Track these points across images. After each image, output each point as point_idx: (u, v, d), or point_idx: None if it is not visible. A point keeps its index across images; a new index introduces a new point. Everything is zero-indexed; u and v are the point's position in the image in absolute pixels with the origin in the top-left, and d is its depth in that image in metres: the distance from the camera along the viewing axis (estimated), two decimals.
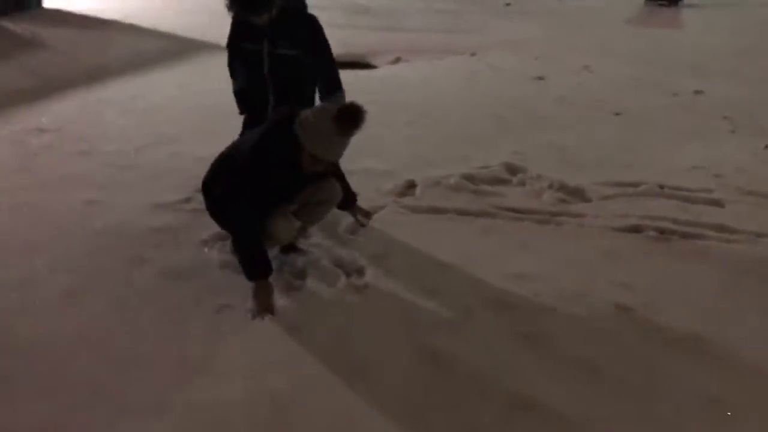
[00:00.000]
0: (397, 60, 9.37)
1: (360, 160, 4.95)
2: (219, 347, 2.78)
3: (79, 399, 2.47)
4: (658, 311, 3.08)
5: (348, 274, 3.39)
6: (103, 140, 5.33)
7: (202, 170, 3.33)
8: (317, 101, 3.68)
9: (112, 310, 3.03)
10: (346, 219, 4.03)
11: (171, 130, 5.60)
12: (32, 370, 2.62)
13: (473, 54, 9.32)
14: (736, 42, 9.22)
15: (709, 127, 6.02)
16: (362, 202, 4.33)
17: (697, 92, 7.07)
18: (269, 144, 2.98)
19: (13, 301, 3.08)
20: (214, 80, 6.64)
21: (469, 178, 4.66)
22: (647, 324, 3.00)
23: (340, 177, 3.51)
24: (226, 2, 3.29)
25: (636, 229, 3.92)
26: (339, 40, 10.13)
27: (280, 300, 3.07)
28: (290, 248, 3.56)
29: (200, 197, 4.17)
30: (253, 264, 3.03)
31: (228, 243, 3.50)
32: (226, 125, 4.04)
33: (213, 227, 3.58)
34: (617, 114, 6.40)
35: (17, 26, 9.70)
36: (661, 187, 4.54)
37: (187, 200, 4.16)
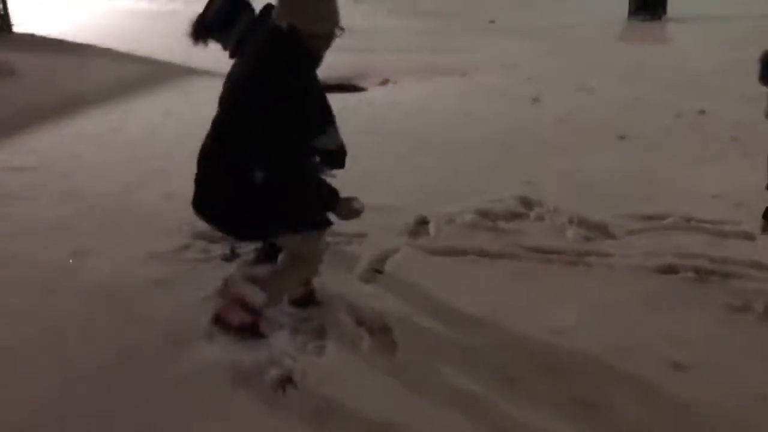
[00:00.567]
0: (386, 81, 9.12)
1: (364, 195, 4.62)
2: None
3: None
4: (720, 369, 2.82)
5: (371, 332, 3.09)
6: (87, 178, 4.97)
7: None
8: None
9: (105, 386, 2.69)
10: (360, 263, 3.75)
11: (160, 165, 5.25)
12: None
13: (464, 74, 9.10)
14: (728, 57, 9.08)
15: (719, 150, 5.83)
16: (372, 241, 4.08)
17: (701, 112, 6.89)
18: (278, 55, 2.67)
19: None
20: (200, 106, 6.29)
21: (484, 213, 4.39)
22: (710, 385, 2.73)
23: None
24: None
25: (671, 270, 3.67)
26: (323, 64, 9.97)
27: (301, 375, 2.76)
28: (308, 300, 3.26)
29: (200, 244, 3.88)
30: (331, 192, 2.83)
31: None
32: None
33: (216, 281, 3.27)
34: (622, 137, 6.19)
35: None
36: (688, 220, 4.30)
37: (186, 247, 3.83)
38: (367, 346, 2.97)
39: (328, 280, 3.53)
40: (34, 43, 10.50)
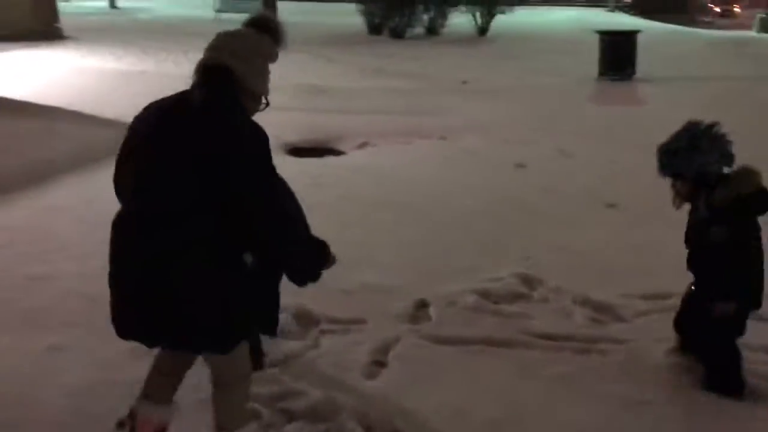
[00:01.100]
0: (364, 145, 8.98)
1: (355, 273, 4.47)
2: None
3: None
4: None
5: None
6: (62, 259, 4.67)
7: None
8: None
9: None
10: (362, 356, 3.52)
11: None
12: None
13: (443, 137, 9.03)
14: (705, 118, 9.15)
15: None
16: (369, 326, 3.87)
17: None
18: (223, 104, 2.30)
19: None
20: None
21: (485, 294, 4.22)
22: None
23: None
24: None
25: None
26: (298, 125, 9.84)
27: None
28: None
29: None
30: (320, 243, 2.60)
31: None
32: None
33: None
34: (611, 206, 6.12)
35: None
36: None
37: None
38: None
39: (328, 375, 3.30)
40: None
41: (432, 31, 24.07)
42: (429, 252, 4.95)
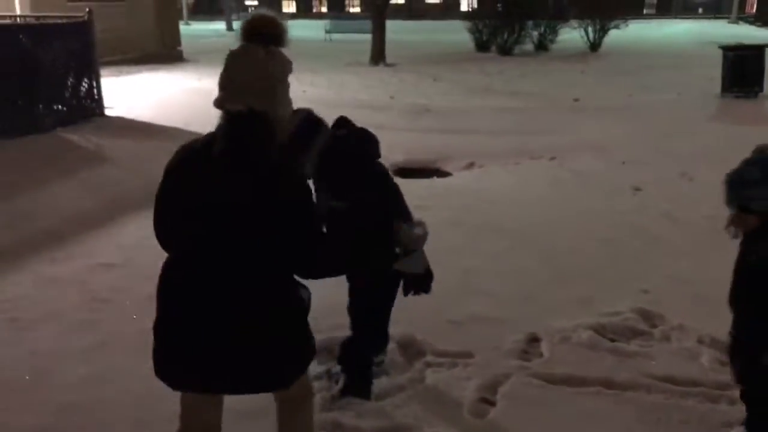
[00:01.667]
0: (471, 165, 8.85)
1: (462, 303, 4.36)
2: None
3: None
4: None
5: None
6: None
7: None
8: None
9: None
10: (469, 392, 3.39)
11: None
12: None
13: (553, 158, 8.75)
14: None
15: None
16: (477, 360, 3.73)
17: None
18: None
19: None
20: None
21: (601, 330, 3.99)
22: None
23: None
24: None
25: None
26: (405, 145, 9.80)
27: None
28: None
29: None
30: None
31: None
32: None
33: None
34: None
35: (82, 138, 9.48)
36: None
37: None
38: None
39: (434, 411, 3.18)
40: (124, 126, 10.74)
41: (541, 47, 23.66)
42: (540, 281, 4.75)
